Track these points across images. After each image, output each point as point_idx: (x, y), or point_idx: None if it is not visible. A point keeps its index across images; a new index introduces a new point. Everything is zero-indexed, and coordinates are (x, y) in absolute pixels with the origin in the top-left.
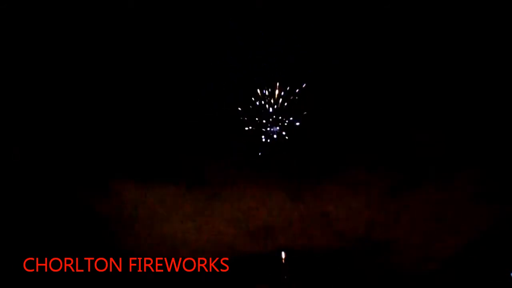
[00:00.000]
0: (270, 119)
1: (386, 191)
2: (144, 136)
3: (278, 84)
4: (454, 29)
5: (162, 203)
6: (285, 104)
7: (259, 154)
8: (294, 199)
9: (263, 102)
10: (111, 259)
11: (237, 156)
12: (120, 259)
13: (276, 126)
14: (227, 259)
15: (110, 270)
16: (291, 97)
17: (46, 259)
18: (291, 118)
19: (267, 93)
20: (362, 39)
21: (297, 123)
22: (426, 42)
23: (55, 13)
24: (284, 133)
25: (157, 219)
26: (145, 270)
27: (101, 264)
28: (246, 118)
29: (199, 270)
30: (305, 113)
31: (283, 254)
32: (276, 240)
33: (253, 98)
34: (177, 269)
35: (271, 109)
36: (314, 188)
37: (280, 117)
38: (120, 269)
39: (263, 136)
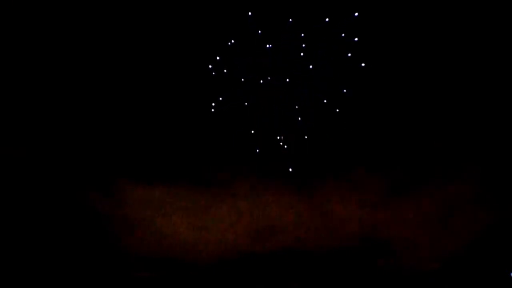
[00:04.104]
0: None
1: (387, 190)
2: (146, 136)
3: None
4: (454, 28)
5: (163, 203)
6: (287, 104)
7: (261, 153)
8: (295, 199)
9: (264, 102)
10: (111, 259)
11: (239, 157)
12: (120, 259)
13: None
14: (228, 259)
15: (110, 270)
16: (293, 97)
17: (45, 258)
18: (293, 118)
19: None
20: (362, 38)
21: (300, 123)
22: (426, 40)
23: (55, 13)
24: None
25: (158, 219)
26: (145, 270)
27: (101, 264)
28: (248, 118)
29: (200, 270)
30: (309, 112)
31: (284, 254)
32: (277, 240)
33: (255, 97)
34: (178, 269)
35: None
36: (316, 188)
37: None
38: (120, 269)
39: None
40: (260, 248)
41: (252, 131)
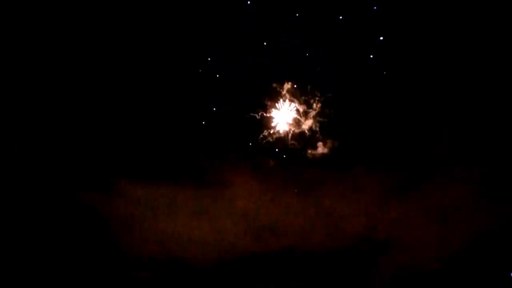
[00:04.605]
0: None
1: (388, 190)
2: (146, 136)
3: (281, 83)
4: (454, 29)
5: (164, 203)
6: (288, 104)
7: (261, 154)
8: (296, 199)
9: (265, 101)
10: (111, 259)
11: (239, 157)
12: (120, 259)
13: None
14: (228, 259)
15: (110, 270)
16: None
17: (45, 258)
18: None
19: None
20: (363, 38)
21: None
22: (427, 41)
23: (55, 13)
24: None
25: (158, 219)
26: (145, 270)
27: (101, 264)
28: (248, 118)
29: (200, 270)
30: (308, 112)
31: (284, 254)
32: (277, 240)
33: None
34: (178, 269)
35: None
36: (316, 187)
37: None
38: (120, 269)
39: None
40: (260, 248)
41: (252, 132)
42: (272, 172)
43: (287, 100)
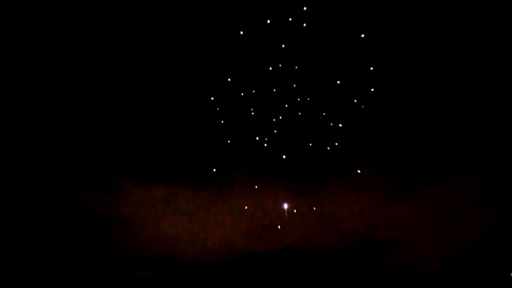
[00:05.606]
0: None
1: (388, 191)
2: (146, 136)
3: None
4: (455, 28)
5: (163, 203)
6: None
7: (261, 154)
8: (296, 199)
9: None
10: (111, 259)
11: (239, 157)
12: (121, 259)
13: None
14: (228, 259)
15: (110, 270)
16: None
17: (46, 258)
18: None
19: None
20: (366, 40)
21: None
22: (425, 40)
23: (55, 13)
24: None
25: (158, 219)
26: (145, 270)
27: (101, 264)
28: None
29: (200, 270)
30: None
31: (284, 254)
32: (277, 240)
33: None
34: (178, 269)
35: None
36: (317, 188)
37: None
38: (120, 269)
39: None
40: (260, 248)
41: (252, 132)
42: (272, 172)
43: (287, 101)
